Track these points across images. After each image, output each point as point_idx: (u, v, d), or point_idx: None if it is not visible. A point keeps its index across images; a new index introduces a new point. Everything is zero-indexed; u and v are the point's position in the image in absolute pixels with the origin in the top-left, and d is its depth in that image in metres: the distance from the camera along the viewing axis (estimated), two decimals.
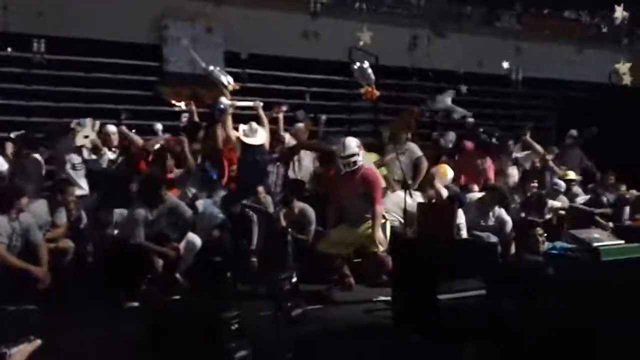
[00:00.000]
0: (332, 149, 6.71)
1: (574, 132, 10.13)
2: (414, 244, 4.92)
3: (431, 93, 11.47)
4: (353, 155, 5.91)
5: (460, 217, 6.24)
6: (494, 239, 6.28)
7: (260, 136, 7.66)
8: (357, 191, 5.96)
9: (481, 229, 6.55)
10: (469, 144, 8.71)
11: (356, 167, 5.96)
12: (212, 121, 7.83)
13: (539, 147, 9.13)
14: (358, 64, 7.90)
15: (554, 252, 4.94)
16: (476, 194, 7.21)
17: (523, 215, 7.26)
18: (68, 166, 6.93)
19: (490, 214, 6.72)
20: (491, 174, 8.30)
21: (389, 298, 5.33)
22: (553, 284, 4.69)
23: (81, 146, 7.00)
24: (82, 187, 6.87)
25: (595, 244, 4.77)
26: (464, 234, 6.07)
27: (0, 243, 5.36)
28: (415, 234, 5.12)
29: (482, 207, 6.77)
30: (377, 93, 7.97)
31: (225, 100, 7.71)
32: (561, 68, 12.66)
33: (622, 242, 4.87)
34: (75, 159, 6.97)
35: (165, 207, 6.05)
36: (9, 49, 9.02)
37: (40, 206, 6.01)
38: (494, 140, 8.85)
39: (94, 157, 7.05)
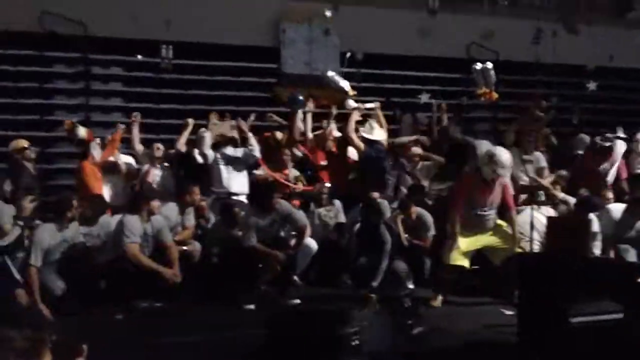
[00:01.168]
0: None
1: None
2: (543, 260, 4.65)
3: (557, 89, 10.96)
4: (508, 168, 5.73)
5: (594, 225, 5.87)
6: (632, 253, 5.80)
7: (378, 133, 7.62)
8: (495, 200, 5.85)
9: (621, 241, 6.05)
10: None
11: (501, 180, 5.78)
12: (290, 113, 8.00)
13: None
14: (480, 65, 7.58)
15: None
16: (616, 205, 6.58)
17: None
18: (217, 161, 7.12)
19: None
20: (623, 175, 7.57)
21: (512, 312, 5.10)
22: None
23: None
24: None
25: None
26: (598, 245, 5.66)
27: (134, 243, 5.64)
28: (545, 250, 4.84)
29: (626, 218, 6.18)
30: (495, 95, 7.62)
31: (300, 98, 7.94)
32: None
33: None
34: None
35: (279, 214, 6.10)
36: (139, 56, 9.51)
37: (171, 208, 6.28)
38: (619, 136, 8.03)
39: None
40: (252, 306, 5.78)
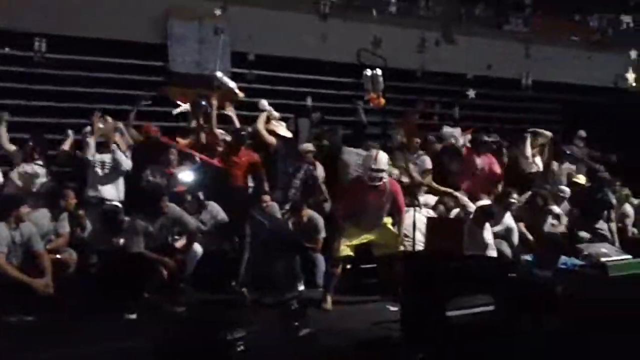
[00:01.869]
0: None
1: (582, 132, 9.98)
2: (422, 259, 4.86)
3: (440, 96, 11.48)
4: (382, 170, 5.95)
5: (488, 232, 6.30)
6: (505, 247, 6.23)
7: (285, 131, 7.74)
8: (381, 203, 6.04)
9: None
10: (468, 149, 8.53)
11: (381, 182, 5.98)
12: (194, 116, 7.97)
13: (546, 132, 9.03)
14: (370, 71, 7.77)
15: (563, 267, 4.88)
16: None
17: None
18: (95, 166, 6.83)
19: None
20: (497, 172, 8.08)
21: (396, 308, 5.28)
22: (562, 300, 4.63)
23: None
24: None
25: (603, 259, 4.71)
26: (493, 252, 6.06)
27: None
28: (425, 249, 5.06)
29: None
30: (383, 101, 7.85)
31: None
32: (569, 71, 12.58)
33: (629, 257, 4.81)
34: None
35: (169, 218, 5.93)
36: (7, 49, 8.88)
37: (43, 214, 5.91)
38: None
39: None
40: (134, 315, 5.56)
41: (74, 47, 9.06)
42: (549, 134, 9.27)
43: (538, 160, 8.84)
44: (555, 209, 7.66)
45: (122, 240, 5.98)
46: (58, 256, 5.76)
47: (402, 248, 5.97)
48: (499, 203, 7.02)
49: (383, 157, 5.99)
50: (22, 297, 5.29)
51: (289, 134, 7.85)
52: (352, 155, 7.17)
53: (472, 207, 6.83)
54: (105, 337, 4.90)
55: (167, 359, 3.72)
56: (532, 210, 7.29)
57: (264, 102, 8.20)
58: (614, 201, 8.02)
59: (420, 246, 5.51)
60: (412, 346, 4.47)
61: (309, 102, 9.58)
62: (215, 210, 6.83)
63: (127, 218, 6.35)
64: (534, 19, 12.71)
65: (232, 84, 8.39)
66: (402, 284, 4.85)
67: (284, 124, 8.01)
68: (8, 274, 5.26)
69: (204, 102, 7.98)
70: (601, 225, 7.63)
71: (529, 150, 8.61)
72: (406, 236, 6.02)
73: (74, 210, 6.21)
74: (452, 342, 4.30)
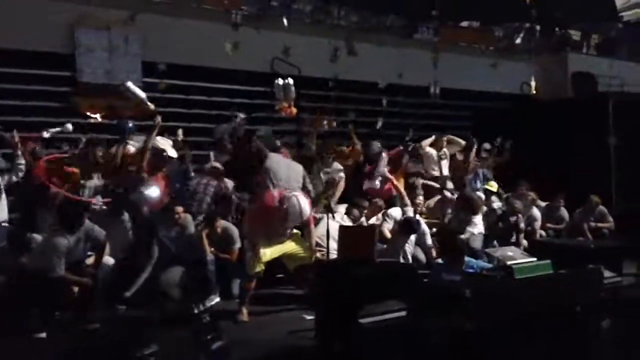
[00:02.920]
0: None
1: (487, 145, 10.35)
2: (335, 267, 4.93)
3: (353, 104, 11.68)
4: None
5: (411, 242, 6.48)
6: (419, 251, 6.40)
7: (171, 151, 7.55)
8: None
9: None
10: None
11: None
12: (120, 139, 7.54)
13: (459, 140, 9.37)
14: (282, 80, 7.81)
15: (471, 270, 5.07)
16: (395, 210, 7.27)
17: None
18: None
19: None
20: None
21: (311, 317, 5.33)
22: (470, 302, 4.80)
23: None
24: None
25: (509, 262, 4.91)
26: (410, 259, 6.20)
27: None
28: (337, 257, 5.13)
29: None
30: (294, 110, 7.90)
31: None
32: (477, 79, 13.12)
33: (534, 259, 5.04)
34: None
35: (82, 231, 5.67)
36: None
37: None
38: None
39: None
40: (43, 334, 5.32)
41: None
42: (461, 141, 9.61)
43: (444, 164, 9.12)
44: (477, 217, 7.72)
45: (33, 260, 5.63)
46: None
47: (314, 257, 5.97)
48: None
49: (306, 207, 5.80)
50: None
51: (174, 154, 7.63)
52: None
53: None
54: (13, 358, 4.69)
55: None
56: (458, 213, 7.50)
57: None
58: (522, 226, 8.24)
59: (334, 254, 5.58)
60: (326, 354, 4.53)
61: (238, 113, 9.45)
62: (126, 220, 6.67)
63: (35, 235, 6.07)
64: (442, 28, 13.20)
65: (142, 95, 8.20)
66: (316, 293, 4.90)
67: (170, 142, 7.79)
68: None
69: (131, 125, 7.57)
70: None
71: (428, 149, 8.87)
72: (319, 245, 6.07)
73: None
74: (365, 348, 4.39)
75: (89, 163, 7.44)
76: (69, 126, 7.89)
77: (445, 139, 9.52)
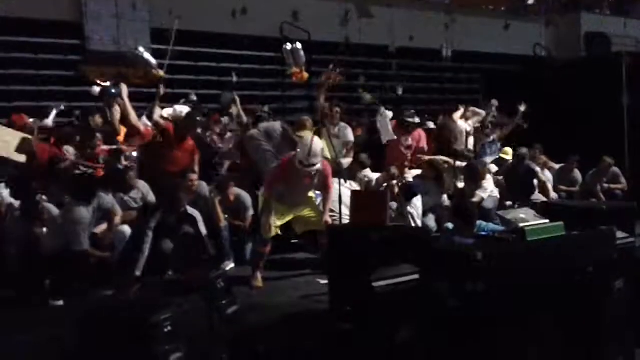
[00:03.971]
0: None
1: (494, 102, 10.17)
2: (347, 232, 4.94)
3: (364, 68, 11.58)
4: (317, 163, 5.79)
5: (416, 207, 6.45)
6: (430, 220, 6.41)
7: None
8: (311, 184, 5.98)
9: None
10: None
11: (315, 171, 5.87)
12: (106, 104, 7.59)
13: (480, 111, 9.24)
14: (290, 45, 7.71)
15: (483, 233, 5.06)
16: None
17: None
18: None
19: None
20: (424, 147, 8.06)
21: (325, 281, 5.37)
22: (482, 264, 4.80)
23: None
24: None
25: (521, 225, 4.88)
26: (419, 222, 6.17)
27: None
28: (350, 222, 5.14)
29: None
30: (306, 75, 7.80)
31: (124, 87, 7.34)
32: (488, 41, 12.94)
33: (547, 221, 5.00)
34: None
35: (96, 202, 5.71)
36: None
37: None
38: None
39: None
40: (60, 302, 5.43)
41: None
42: (482, 112, 9.45)
43: (471, 140, 8.97)
44: (486, 182, 7.64)
45: (53, 232, 5.67)
46: None
47: (324, 222, 5.96)
48: (426, 177, 7.21)
49: (318, 147, 5.84)
50: None
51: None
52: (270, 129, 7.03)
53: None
54: (32, 325, 4.80)
55: (93, 342, 3.69)
56: (466, 180, 7.46)
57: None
58: (538, 175, 8.20)
59: (346, 220, 5.59)
60: (339, 318, 4.58)
61: (234, 78, 9.41)
62: (146, 189, 6.72)
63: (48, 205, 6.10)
64: None
65: (153, 61, 8.15)
66: (329, 257, 4.93)
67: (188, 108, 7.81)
68: None
69: (114, 90, 7.53)
70: (535, 196, 7.90)
71: (455, 122, 8.72)
72: (332, 210, 6.08)
73: None
74: (378, 311, 4.42)
75: (92, 130, 7.47)
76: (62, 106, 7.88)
77: (470, 110, 9.32)
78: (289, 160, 5.97)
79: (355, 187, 6.84)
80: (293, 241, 6.91)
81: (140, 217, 6.32)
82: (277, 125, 7.14)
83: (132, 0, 9.56)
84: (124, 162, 6.85)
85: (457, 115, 8.76)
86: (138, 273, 5.36)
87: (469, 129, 8.74)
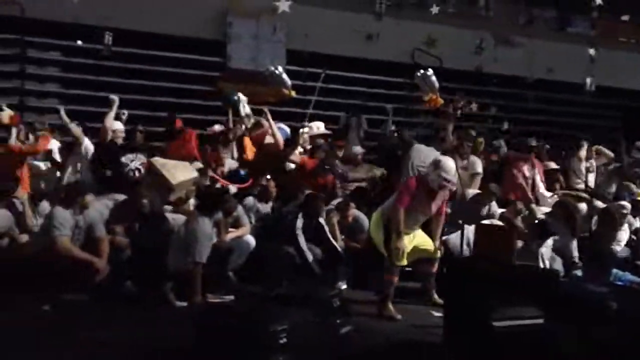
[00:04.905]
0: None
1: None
2: (469, 265, 4.77)
3: (497, 99, 11.24)
4: (451, 180, 5.65)
5: (547, 249, 6.17)
6: (557, 262, 6.04)
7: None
8: (431, 207, 5.75)
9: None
10: (511, 153, 8.25)
11: (447, 188, 5.73)
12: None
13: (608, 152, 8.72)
14: (422, 71, 7.68)
15: (619, 283, 4.71)
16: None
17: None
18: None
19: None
20: (539, 183, 7.77)
21: (439, 314, 5.21)
22: (616, 316, 4.48)
23: None
24: None
25: None
26: (547, 264, 5.91)
27: (64, 235, 5.49)
28: (472, 256, 4.97)
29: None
30: (441, 101, 7.73)
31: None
32: (632, 77, 12.16)
33: None
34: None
35: (220, 214, 5.90)
36: (79, 42, 9.26)
37: (104, 202, 6.12)
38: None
39: None
40: (184, 303, 5.67)
41: (137, 41, 9.35)
42: (610, 154, 8.93)
43: (590, 174, 8.50)
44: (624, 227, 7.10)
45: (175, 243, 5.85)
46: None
47: (440, 252, 5.80)
48: (556, 216, 6.82)
49: (452, 165, 5.68)
50: (78, 278, 5.50)
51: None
52: (421, 152, 6.95)
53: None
54: (153, 321, 5.07)
55: (215, 343, 3.83)
56: (603, 226, 7.00)
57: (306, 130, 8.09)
58: None
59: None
60: (453, 352, 4.42)
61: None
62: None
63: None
64: (599, 21, 12.31)
65: (288, 81, 8.45)
66: (447, 290, 4.77)
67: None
68: (73, 254, 5.50)
69: (235, 97, 7.87)
70: None
71: (581, 160, 8.30)
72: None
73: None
74: (495, 351, 4.22)
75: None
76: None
77: (594, 149, 8.85)
78: (420, 178, 5.77)
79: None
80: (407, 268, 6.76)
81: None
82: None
83: (272, 23, 9.95)
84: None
85: (582, 153, 8.35)
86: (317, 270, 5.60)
87: (589, 166, 8.33)
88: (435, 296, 6.08)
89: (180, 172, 6.40)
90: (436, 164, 5.65)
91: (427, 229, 5.88)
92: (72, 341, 4.46)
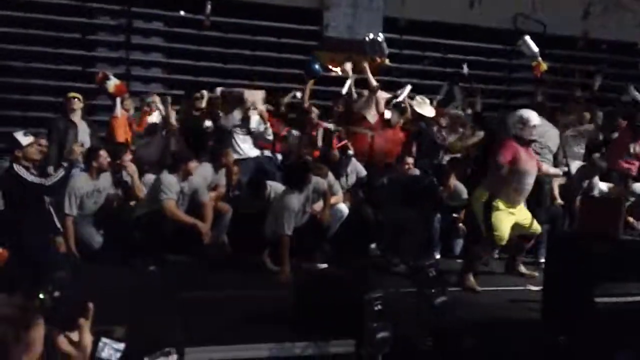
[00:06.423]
0: None
1: None
2: (572, 240, 4.60)
3: (604, 66, 10.62)
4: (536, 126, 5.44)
5: None
6: None
7: (428, 110, 7.63)
8: (534, 163, 5.50)
9: None
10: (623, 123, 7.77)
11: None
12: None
13: None
14: (525, 38, 7.39)
15: None
16: None
17: None
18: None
19: None
20: None
21: (538, 288, 5.09)
22: None
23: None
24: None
25: None
26: None
27: (170, 199, 5.77)
28: (576, 230, 4.78)
29: None
30: (544, 67, 7.42)
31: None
32: None
33: None
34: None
35: (310, 187, 5.90)
36: (182, 12, 9.55)
37: (207, 169, 6.38)
38: None
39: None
40: (278, 267, 5.82)
41: (236, 11, 9.52)
42: None
43: None
44: None
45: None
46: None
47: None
48: None
49: (534, 114, 5.46)
50: (184, 240, 5.80)
51: (429, 113, 7.63)
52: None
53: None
54: (250, 283, 5.27)
55: (307, 306, 3.92)
56: None
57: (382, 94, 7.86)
58: None
59: None
60: (552, 328, 4.31)
61: (465, 70, 9.23)
62: (358, 167, 7.00)
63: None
64: None
65: (386, 50, 8.34)
66: (547, 265, 4.62)
67: (427, 101, 7.83)
68: (180, 218, 5.79)
69: (317, 66, 7.83)
70: None
71: None
72: None
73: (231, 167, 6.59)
74: (598, 329, 4.09)
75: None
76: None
77: None
78: (515, 135, 5.36)
79: None
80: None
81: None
82: None
83: None
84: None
85: None
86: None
87: None
88: (522, 267, 5.97)
89: None
90: (514, 117, 5.46)
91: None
92: (174, 300, 4.72)
